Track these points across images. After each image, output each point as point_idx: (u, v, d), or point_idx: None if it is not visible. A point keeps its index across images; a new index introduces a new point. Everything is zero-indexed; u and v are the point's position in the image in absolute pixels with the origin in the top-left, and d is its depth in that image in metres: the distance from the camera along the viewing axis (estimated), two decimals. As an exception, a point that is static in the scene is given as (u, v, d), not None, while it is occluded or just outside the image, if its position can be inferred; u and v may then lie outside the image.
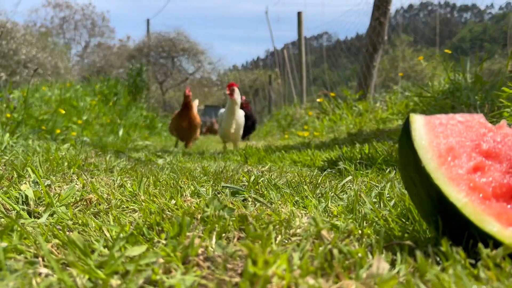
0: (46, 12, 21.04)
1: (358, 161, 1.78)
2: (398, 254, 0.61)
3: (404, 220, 0.78)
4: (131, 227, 0.75)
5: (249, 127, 5.89)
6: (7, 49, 10.70)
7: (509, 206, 0.62)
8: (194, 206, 0.88)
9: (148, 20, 17.24)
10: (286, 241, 0.71)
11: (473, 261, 0.59)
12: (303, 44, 8.40)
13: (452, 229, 0.65)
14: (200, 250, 0.63)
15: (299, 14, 8.33)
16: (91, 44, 21.93)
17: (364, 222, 0.78)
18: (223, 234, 0.72)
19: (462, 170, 0.65)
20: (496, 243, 0.59)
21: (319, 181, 1.36)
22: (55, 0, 20.67)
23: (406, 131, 0.69)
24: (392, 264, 0.60)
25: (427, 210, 0.68)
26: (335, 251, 0.61)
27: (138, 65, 9.43)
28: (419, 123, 0.68)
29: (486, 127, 0.70)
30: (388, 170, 1.57)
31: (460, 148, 0.67)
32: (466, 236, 0.63)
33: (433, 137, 0.67)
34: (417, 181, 0.67)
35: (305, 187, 1.12)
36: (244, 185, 1.28)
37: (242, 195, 1.10)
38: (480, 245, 0.59)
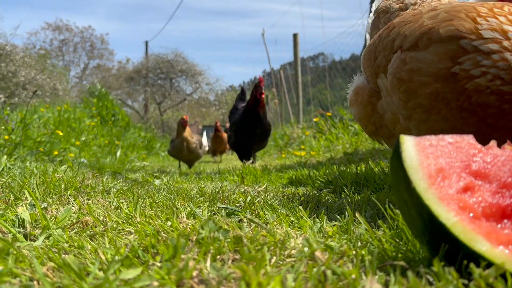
0: (46, 34, 21.34)
1: (354, 180, 1.79)
2: (392, 275, 0.61)
3: (397, 240, 0.78)
4: (126, 249, 0.76)
5: (257, 135, 3.60)
6: (6, 71, 10.82)
7: (499, 225, 0.63)
8: (189, 228, 0.88)
9: (146, 42, 17.49)
10: (281, 262, 0.72)
11: (466, 282, 0.59)
12: (299, 65, 8.52)
13: (444, 249, 0.65)
14: (194, 273, 0.63)
15: (295, 35, 8.48)
16: (90, 66, 22.18)
17: (359, 242, 0.79)
18: (218, 256, 0.72)
19: (452, 190, 0.66)
20: (488, 263, 0.60)
21: (314, 201, 1.37)
22: (54, 23, 20.99)
23: (396, 151, 0.71)
24: (386, 285, 0.61)
25: (418, 230, 0.69)
26: (329, 273, 0.61)
27: (98, 87, 9.32)
28: (409, 144, 0.70)
29: (476, 148, 0.72)
30: (383, 189, 1.57)
31: (450, 169, 0.68)
32: (460, 255, 0.64)
33: (423, 157, 0.68)
34: (408, 201, 0.68)
35: (301, 207, 1.12)
36: (240, 205, 1.28)
37: (238, 216, 1.10)
38: (472, 265, 0.60)
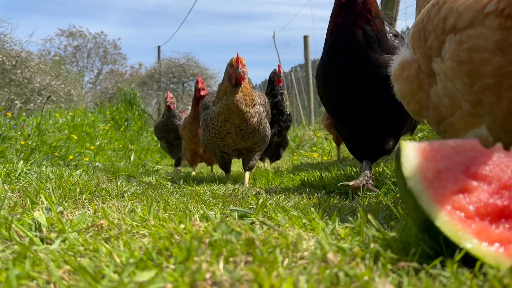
0: (60, 41, 21.61)
1: (366, 182, 1.77)
2: (405, 276, 0.61)
3: (410, 242, 0.78)
4: (140, 252, 0.77)
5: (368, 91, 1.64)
6: (21, 77, 11.04)
7: (494, 225, 0.65)
8: (202, 230, 0.89)
9: (159, 47, 17.65)
10: (293, 264, 0.72)
11: (480, 282, 0.58)
12: (310, 67, 8.50)
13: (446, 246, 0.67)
14: (207, 275, 0.64)
15: (305, 38, 8.46)
16: (103, 71, 22.43)
17: (371, 244, 0.78)
18: (231, 258, 0.73)
19: (447, 192, 0.68)
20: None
21: (327, 203, 1.37)
22: (68, 29, 21.31)
23: (397, 156, 0.75)
24: (399, 286, 0.60)
25: (419, 228, 0.72)
26: (341, 274, 0.61)
27: (129, 90, 9.37)
28: (409, 149, 0.74)
29: (478, 151, 0.74)
30: (396, 190, 1.56)
31: (448, 171, 0.71)
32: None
33: (422, 161, 0.72)
34: (409, 202, 0.71)
35: (313, 209, 1.12)
36: (252, 207, 1.29)
37: (250, 218, 1.10)
38: (487, 266, 0.60)
